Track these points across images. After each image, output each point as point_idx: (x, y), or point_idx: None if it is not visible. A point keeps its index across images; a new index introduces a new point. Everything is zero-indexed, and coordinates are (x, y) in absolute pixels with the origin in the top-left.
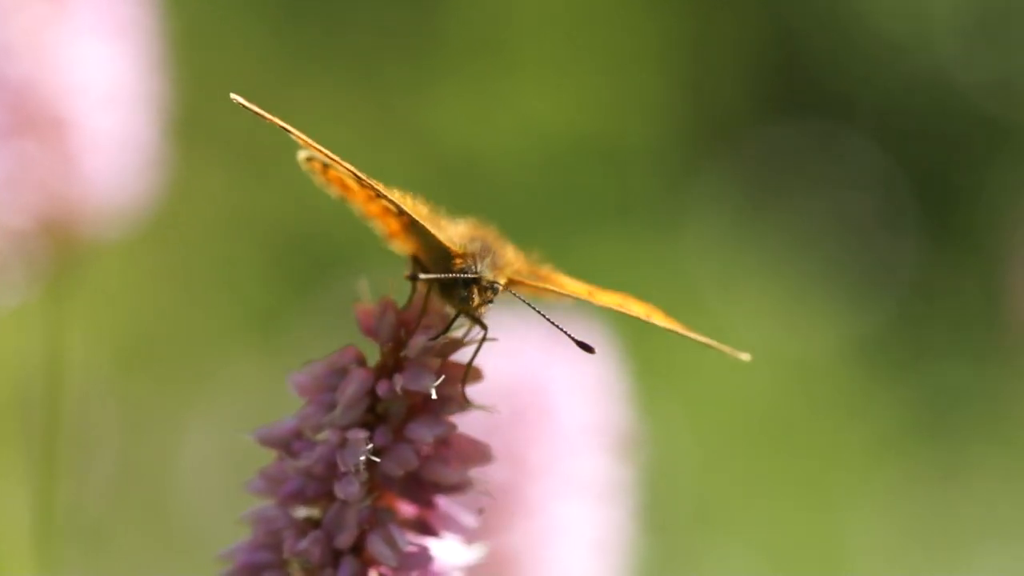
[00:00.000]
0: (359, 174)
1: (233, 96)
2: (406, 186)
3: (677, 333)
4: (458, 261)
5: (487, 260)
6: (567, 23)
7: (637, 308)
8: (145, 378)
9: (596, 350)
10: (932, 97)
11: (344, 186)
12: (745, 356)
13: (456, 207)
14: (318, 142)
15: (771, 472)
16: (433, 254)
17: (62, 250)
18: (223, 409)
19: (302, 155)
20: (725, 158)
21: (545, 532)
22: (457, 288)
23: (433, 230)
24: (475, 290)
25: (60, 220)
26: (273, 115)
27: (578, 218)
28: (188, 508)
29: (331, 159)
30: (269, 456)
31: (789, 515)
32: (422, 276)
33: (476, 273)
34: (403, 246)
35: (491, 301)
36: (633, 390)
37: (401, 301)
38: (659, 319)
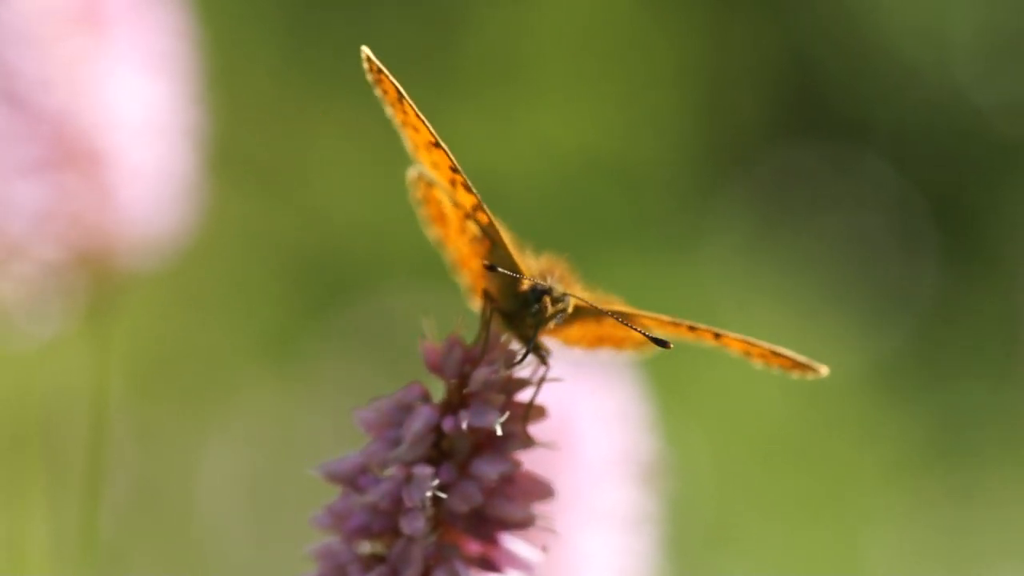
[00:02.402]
0: (459, 172)
1: (364, 49)
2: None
3: (752, 348)
4: (526, 283)
5: (557, 278)
6: (583, 46)
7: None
8: (163, 401)
9: (671, 345)
10: (948, 119)
11: (438, 209)
12: (824, 369)
13: None
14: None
15: (788, 494)
16: (506, 281)
17: (98, 281)
18: (241, 432)
19: (412, 173)
20: (741, 180)
21: (570, 562)
22: (529, 302)
23: (515, 254)
24: (547, 301)
25: (96, 252)
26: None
27: (594, 239)
28: (206, 530)
29: (442, 146)
30: (287, 480)
31: (806, 537)
32: (499, 268)
33: (548, 287)
34: (471, 277)
35: (560, 315)
36: (653, 417)
37: (456, 333)
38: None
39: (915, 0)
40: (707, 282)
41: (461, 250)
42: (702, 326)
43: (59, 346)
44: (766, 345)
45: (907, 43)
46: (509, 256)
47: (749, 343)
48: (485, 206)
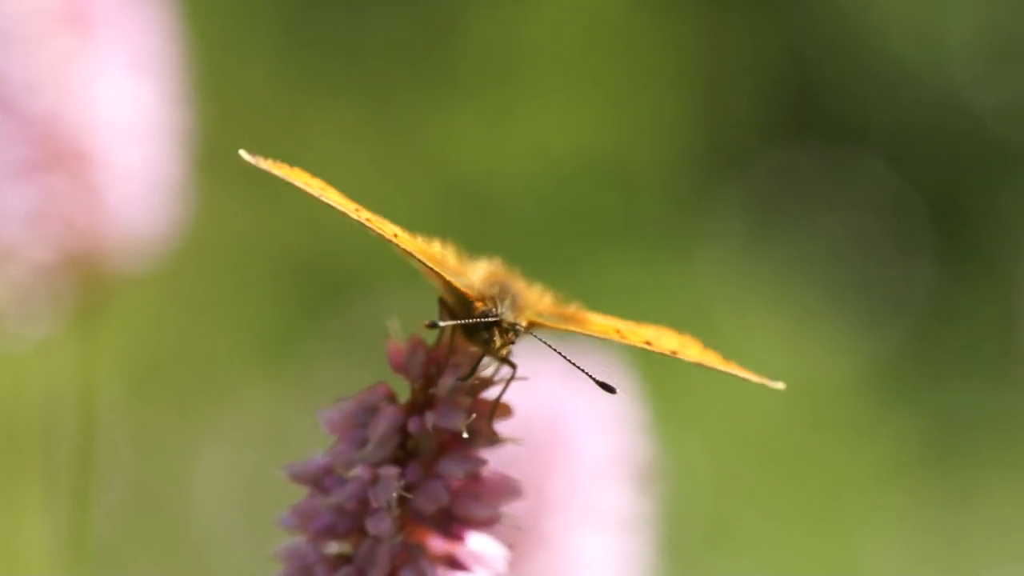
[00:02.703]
0: (380, 227)
1: (242, 153)
2: (417, 211)
3: (710, 368)
4: (479, 305)
5: (507, 302)
6: (579, 48)
7: (670, 342)
8: (158, 403)
9: (617, 390)
10: (945, 121)
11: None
12: (779, 385)
13: (467, 231)
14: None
15: (785, 495)
16: (456, 297)
17: (87, 284)
18: (236, 434)
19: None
20: (737, 182)
21: (564, 564)
22: (479, 331)
23: (450, 277)
24: (496, 332)
25: (85, 254)
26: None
27: (590, 242)
28: (202, 532)
29: (351, 212)
30: (282, 482)
31: (802, 539)
32: (441, 323)
33: (497, 316)
34: (436, 284)
35: (513, 343)
36: (649, 419)
37: (420, 334)
38: (693, 352)
39: (912, 2)
40: (703, 284)
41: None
42: (648, 335)
43: (50, 348)
44: (721, 367)
45: (904, 45)
46: (445, 281)
47: (705, 365)
48: (400, 239)
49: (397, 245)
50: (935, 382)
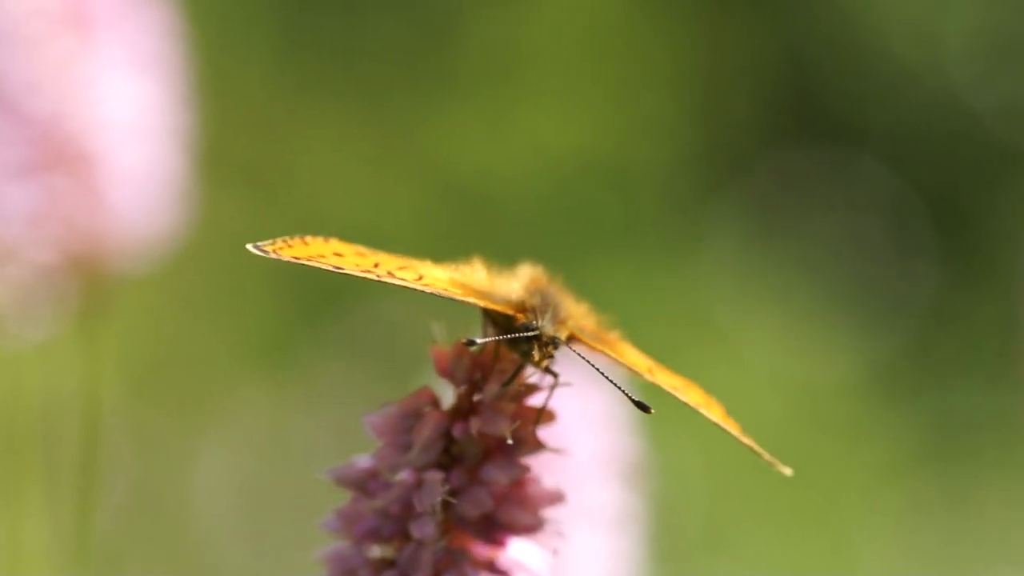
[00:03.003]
0: (400, 280)
1: (250, 247)
2: (417, 212)
3: (726, 431)
4: (520, 317)
5: (548, 315)
6: (578, 49)
7: (695, 396)
8: (159, 405)
9: (652, 410)
10: (945, 122)
11: None
12: (787, 471)
13: (467, 233)
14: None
15: (781, 497)
16: (497, 314)
17: (89, 285)
18: (235, 436)
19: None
20: (737, 183)
21: (556, 562)
22: (519, 344)
23: (484, 303)
24: (536, 346)
25: (86, 255)
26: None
27: (589, 244)
28: (201, 534)
29: (367, 273)
30: (281, 484)
31: (800, 541)
32: (479, 341)
33: (536, 329)
34: None
35: (553, 356)
36: (642, 419)
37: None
38: (715, 413)
39: (911, 2)
40: (703, 285)
41: None
42: (676, 384)
43: (51, 349)
44: (736, 436)
45: (903, 46)
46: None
47: (723, 428)
48: (426, 281)
49: (424, 289)
50: (934, 383)
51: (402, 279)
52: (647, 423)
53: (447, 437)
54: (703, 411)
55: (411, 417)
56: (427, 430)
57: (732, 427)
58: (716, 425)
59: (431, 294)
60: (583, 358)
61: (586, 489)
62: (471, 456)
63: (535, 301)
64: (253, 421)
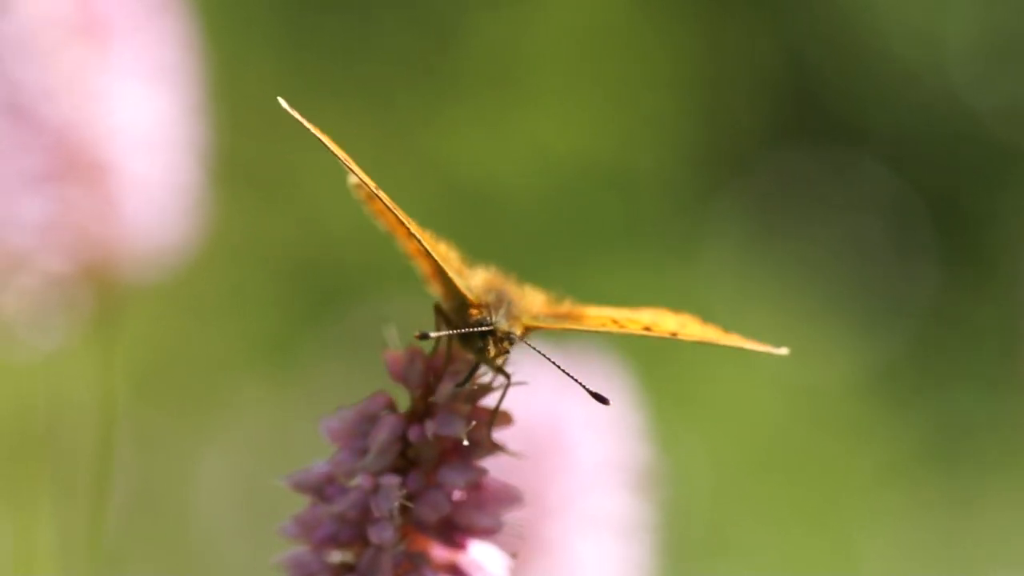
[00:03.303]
0: (394, 208)
1: (280, 100)
2: (418, 214)
3: (712, 343)
4: (474, 312)
5: (503, 310)
6: (579, 50)
7: (669, 323)
8: (162, 407)
9: (610, 401)
10: (946, 123)
11: (389, 220)
12: (783, 350)
13: (468, 234)
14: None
15: (784, 499)
16: (453, 302)
17: (102, 293)
18: (238, 438)
19: (352, 180)
20: (738, 185)
21: (564, 569)
22: (473, 340)
23: (453, 276)
24: (491, 341)
25: (100, 263)
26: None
27: (590, 245)
28: (204, 535)
29: (371, 186)
30: (282, 485)
31: (803, 542)
32: (432, 335)
33: (491, 324)
34: (434, 291)
35: (508, 352)
36: (647, 422)
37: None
38: (694, 330)
39: (912, 3)
40: (704, 287)
41: (423, 267)
42: (645, 320)
43: (63, 357)
44: (723, 341)
45: (904, 46)
46: (448, 278)
47: (708, 342)
48: (413, 226)
49: (409, 233)
50: (935, 385)
51: (392, 203)
52: (651, 427)
53: (403, 441)
54: (682, 336)
55: (367, 421)
56: (383, 434)
57: (713, 334)
58: (698, 343)
59: (410, 247)
60: (540, 353)
61: (594, 495)
62: (428, 459)
63: (489, 298)
64: (256, 422)
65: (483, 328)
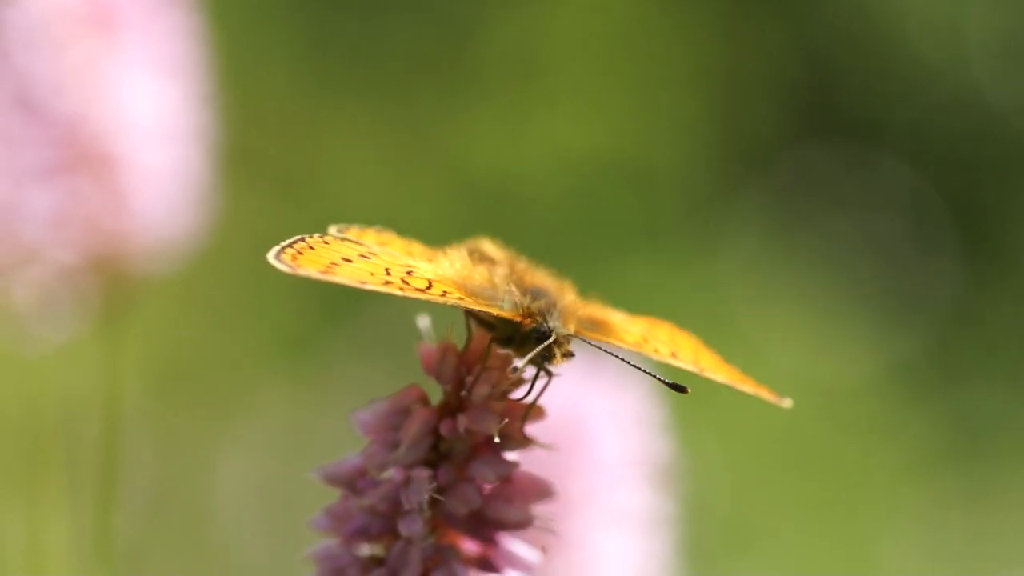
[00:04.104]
0: (414, 295)
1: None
2: (436, 212)
3: (707, 375)
4: (527, 322)
5: (555, 314)
6: (598, 50)
7: (663, 338)
8: (180, 405)
9: (688, 390)
10: (966, 119)
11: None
12: (787, 403)
13: (486, 233)
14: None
15: (802, 496)
16: (502, 321)
17: (112, 285)
18: (257, 436)
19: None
20: (757, 182)
21: (585, 563)
22: (539, 353)
23: (496, 311)
24: (555, 349)
25: (110, 256)
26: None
27: (609, 243)
28: (223, 533)
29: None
30: (302, 484)
31: (821, 540)
32: (519, 364)
33: (550, 330)
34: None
35: (572, 353)
36: (667, 420)
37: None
38: (686, 354)
39: (933, 0)
40: (723, 285)
41: None
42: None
43: (73, 350)
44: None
45: (924, 43)
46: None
47: (728, 378)
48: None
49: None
50: (955, 383)
51: (415, 289)
52: (671, 423)
53: (435, 434)
54: (720, 378)
55: (399, 415)
56: (415, 427)
57: (709, 363)
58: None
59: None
60: (596, 346)
61: (615, 491)
62: (459, 453)
63: (539, 303)
64: (275, 421)
65: (549, 342)
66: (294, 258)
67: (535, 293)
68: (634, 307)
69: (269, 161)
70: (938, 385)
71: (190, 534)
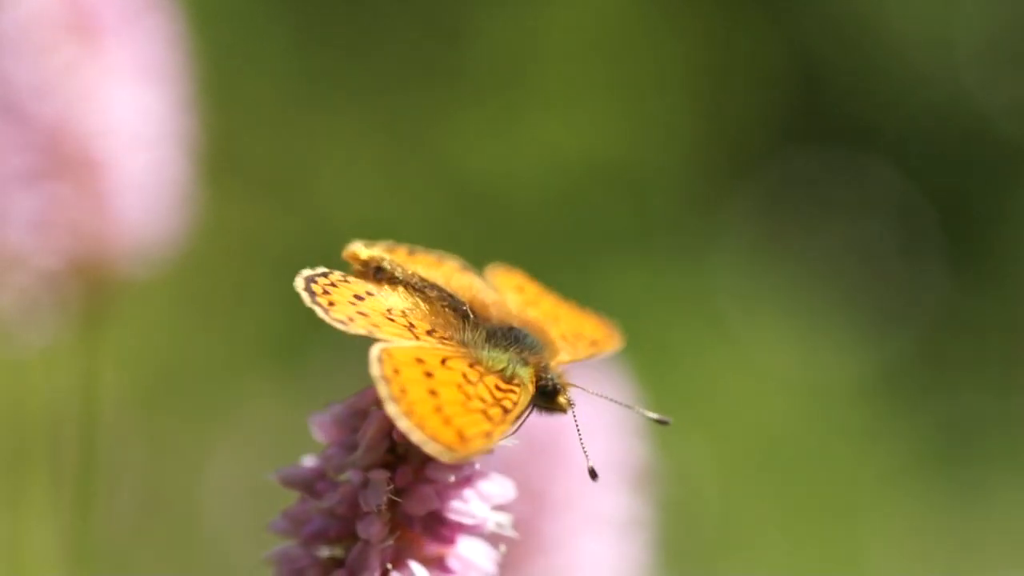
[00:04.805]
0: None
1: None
2: (427, 214)
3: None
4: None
5: (552, 363)
6: (589, 53)
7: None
8: (167, 409)
9: (670, 422)
10: (954, 124)
11: None
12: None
13: (477, 236)
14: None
15: (792, 499)
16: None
17: (93, 290)
18: (245, 438)
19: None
20: (747, 186)
21: (566, 567)
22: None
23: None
24: (561, 395)
25: (91, 260)
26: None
27: (600, 246)
28: (211, 536)
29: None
30: (273, 481)
31: (810, 542)
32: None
33: (553, 382)
34: None
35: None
36: (651, 424)
37: None
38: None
39: (921, 5)
40: (714, 287)
41: None
42: None
43: (55, 354)
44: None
45: (913, 48)
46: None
47: None
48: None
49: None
50: (943, 386)
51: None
52: (656, 427)
53: (392, 436)
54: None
55: (357, 417)
56: (372, 430)
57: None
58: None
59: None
60: (584, 389)
61: (595, 495)
62: (416, 455)
63: (545, 361)
64: (261, 424)
65: (555, 390)
66: (328, 305)
67: (530, 343)
68: (624, 310)
69: (258, 165)
70: (927, 388)
71: (178, 535)
